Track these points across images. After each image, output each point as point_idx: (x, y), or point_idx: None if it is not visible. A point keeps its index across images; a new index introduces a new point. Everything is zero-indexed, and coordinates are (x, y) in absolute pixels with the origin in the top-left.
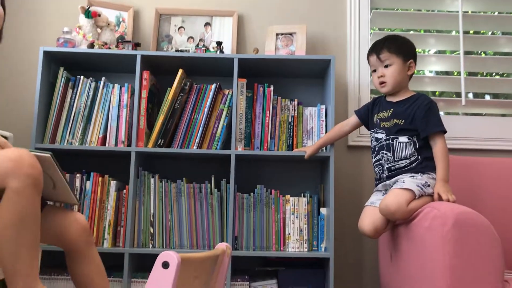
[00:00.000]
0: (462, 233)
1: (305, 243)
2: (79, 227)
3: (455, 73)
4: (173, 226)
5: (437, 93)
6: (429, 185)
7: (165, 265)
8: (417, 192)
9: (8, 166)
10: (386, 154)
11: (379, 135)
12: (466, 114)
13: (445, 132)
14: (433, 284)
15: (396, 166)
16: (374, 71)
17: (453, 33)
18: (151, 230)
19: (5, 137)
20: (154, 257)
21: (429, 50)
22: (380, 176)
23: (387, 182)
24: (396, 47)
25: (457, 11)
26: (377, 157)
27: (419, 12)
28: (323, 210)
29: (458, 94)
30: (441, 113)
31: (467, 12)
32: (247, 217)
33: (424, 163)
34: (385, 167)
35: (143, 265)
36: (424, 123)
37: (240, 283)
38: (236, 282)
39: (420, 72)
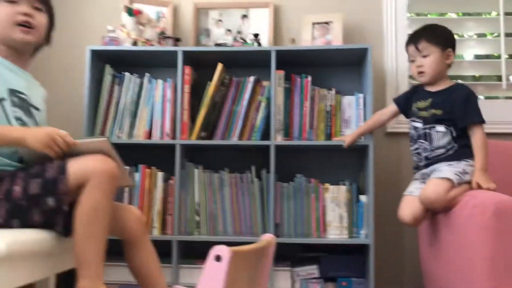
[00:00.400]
0: (502, 221)
1: (345, 230)
2: (135, 218)
3: (495, 56)
4: (217, 214)
5: (477, 76)
6: (467, 172)
7: (218, 258)
8: (455, 181)
9: (95, 165)
10: (423, 143)
11: (417, 124)
12: (507, 97)
13: (483, 122)
14: (474, 272)
15: (433, 155)
16: (412, 61)
17: (493, 14)
18: (197, 218)
19: None
20: (200, 244)
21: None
22: (417, 165)
23: (425, 170)
24: (434, 37)
25: None
26: (415, 146)
27: None
28: (362, 198)
29: (499, 78)
30: (481, 97)
31: None
32: (287, 205)
33: (460, 150)
34: (423, 156)
35: (190, 251)
36: (462, 113)
37: (282, 269)
38: (278, 267)
39: (460, 56)
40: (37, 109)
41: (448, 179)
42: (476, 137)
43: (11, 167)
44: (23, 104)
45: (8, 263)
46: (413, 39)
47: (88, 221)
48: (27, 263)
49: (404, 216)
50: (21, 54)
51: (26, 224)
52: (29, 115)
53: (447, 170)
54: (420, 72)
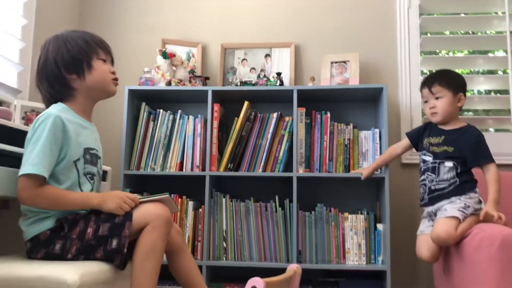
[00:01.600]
0: (508, 253)
1: (363, 256)
2: (176, 231)
3: (504, 91)
4: (244, 241)
5: (486, 110)
6: (468, 206)
7: None
8: (460, 217)
9: (155, 211)
10: (430, 175)
11: (427, 158)
12: None
13: (494, 162)
14: None
15: (436, 187)
16: (426, 102)
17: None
18: (224, 244)
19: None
20: (227, 268)
21: (477, 71)
22: (423, 197)
23: (430, 209)
24: (446, 81)
25: (505, 32)
26: (422, 177)
27: (467, 35)
28: (379, 226)
29: (508, 112)
30: (491, 129)
31: None
32: (309, 233)
33: (461, 186)
34: (428, 186)
35: (218, 275)
36: (474, 154)
37: None
38: None
39: (470, 91)
40: (100, 158)
41: (454, 217)
42: (491, 173)
43: (83, 211)
44: (92, 158)
45: None
46: (428, 82)
47: (145, 259)
48: None
49: (422, 255)
50: (92, 106)
51: (89, 259)
52: (96, 166)
53: (451, 208)
54: (433, 113)
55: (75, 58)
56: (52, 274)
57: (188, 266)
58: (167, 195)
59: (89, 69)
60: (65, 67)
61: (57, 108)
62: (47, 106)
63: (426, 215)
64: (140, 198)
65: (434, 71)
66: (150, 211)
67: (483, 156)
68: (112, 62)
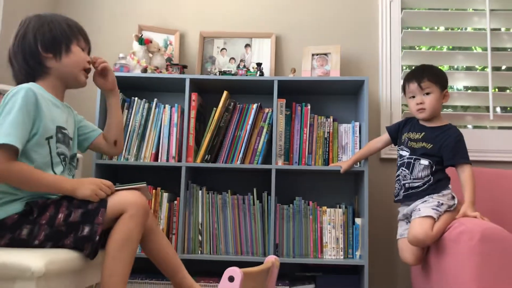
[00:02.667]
0: (488, 247)
1: (341, 251)
2: None
3: (483, 88)
4: (220, 234)
5: (465, 106)
6: (442, 203)
7: (231, 279)
8: (435, 215)
9: (132, 199)
10: (404, 171)
11: (403, 153)
12: (494, 127)
13: (470, 164)
14: None
15: (410, 184)
16: (412, 97)
17: (479, 49)
18: (200, 238)
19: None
20: (203, 262)
21: (457, 67)
22: (398, 193)
23: (405, 211)
24: (435, 77)
25: (485, 29)
26: (397, 173)
27: (448, 31)
28: (357, 220)
29: (487, 109)
30: (470, 126)
31: (497, 29)
32: (287, 227)
33: (435, 185)
34: (402, 183)
35: (193, 269)
36: (452, 153)
37: (281, 287)
38: (278, 286)
39: (450, 87)
40: (71, 139)
41: (429, 217)
42: (465, 174)
43: (54, 196)
44: (65, 138)
45: (44, 281)
46: (417, 76)
47: (120, 248)
48: (59, 280)
49: (406, 259)
50: (64, 90)
51: (57, 246)
52: (68, 147)
53: (424, 208)
54: (420, 109)
55: (55, 38)
56: (15, 260)
57: (162, 246)
58: (144, 184)
59: (67, 52)
60: (43, 45)
61: (29, 84)
62: (17, 85)
63: (403, 217)
64: (116, 186)
65: (413, 66)
66: (127, 199)
67: (460, 156)
68: (89, 53)
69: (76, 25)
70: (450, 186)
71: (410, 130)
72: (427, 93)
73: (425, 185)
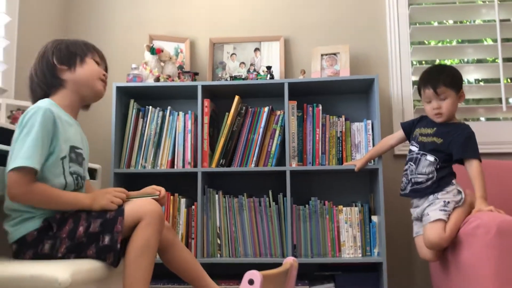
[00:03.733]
0: (505, 240)
1: (359, 249)
2: (165, 227)
3: (494, 80)
4: (238, 237)
5: (477, 99)
6: (448, 202)
7: (251, 282)
8: (444, 217)
9: (148, 207)
10: (412, 165)
11: (413, 148)
12: (507, 119)
13: (480, 161)
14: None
15: (414, 179)
16: (429, 102)
17: (489, 41)
18: (218, 241)
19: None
20: (222, 265)
21: (467, 60)
22: (405, 187)
23: (415, 214)
24: (450, 80)
25: (494, 20)
26: (405, 167)
27: (456, 25)
28: (374, 218)
29: (499, 101)
30: (482, 118)
31: (506, 20)
32: (304, 227)
33: (438, 182)
34: (409, 178)
35: (213, 273)
36: (461, 148)
37: (301, 287)
38: (297, 286)
39: None
40: (84, 159)
41: (439, 220)
42: (473, 169)
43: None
44: (78, 158)
45: None
46: (432, 82)
47: (139, 255)
48: None
49: (425, 256)
50: (79, 105)
51: (80, 257)
52: (80, 166)
53: (432, 211)
54: (438, 113)
55: (70, 52)
56: (42, 272)
57: (182, 257)
58: (157, 197)
59: (81, 63)
60: (59, 58)
61: (45, 103)
62: (33, 103)
63: (414, 218)
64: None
65: (423, 61)
66: (143, 207)
67: (470, 150)
68: (105, 70)
69: (93, 46)
70: (454, 181)
71: (423, 125)
72: (444, 98)
73: (428, 182)
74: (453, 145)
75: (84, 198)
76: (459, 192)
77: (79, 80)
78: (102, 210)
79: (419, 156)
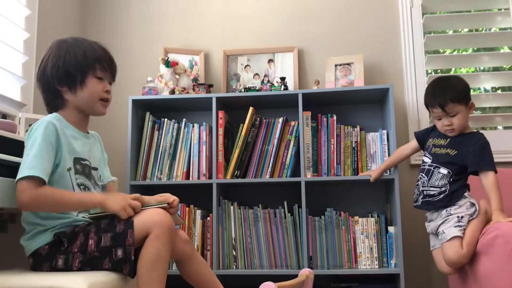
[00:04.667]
0: None
1: (376, 260)
2: (183, 241)
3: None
4: (253, 249)
5: (494, 107)
6: (462, 217)
7: None
8: (460, 233)
9: (156, 218)
10: (423, 177)
11: (426, 159)
12: None
13: (496, 172)
14: None
15: (427, 192)
16: (439, 119)
17: (506, 49)
18: (234, 252)
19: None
20: (238, 277)
21: (483, 68)
22: (417, 199)
23: (429, 229)
24: (457, 96)
25: (509, 28)
26: (418, 178)
27: (470, 33)
28: (390, 229)
29: None
30: (500, 127)
31: None
32: (319, 238)
33: (451, 195)
34: (420, 189)
35: (229, 284)
36: (476, 159)
37: None
38: None
39: (476, 89)
40: (95, 169)
41: (455, 237)
42: (489, 181)
43: (81, 222)
44: (85, 169)
45: None
46: (439, 101)
47: (150, 268)
48: None
49: (444, 270)
50: (86, 119)
51: (97, 270)
52: (89, 178)
53: (448, 229)
54: (450, 130)
55: (69, 72)
56: (60, 284)
57: (199, 270)
58: (166, 205)
59: (81, 86)
60: (58, 78)
61: (51, 116)
62: (49, 113)
63: (430, 232)
64: (143, 207)
65: (438, 71)
66: (150, 219)
67: (485, 162)
68: (113, 78)
69: (94, 54)
70: (466, 194)
71: (437, 136)
72: (454, 115)
73: (441, 195)
74: (468, 157)
75: (96, 196)
76: (472, 204)
77: (80, 103)
78: (109, 222)
79: (431, 168)
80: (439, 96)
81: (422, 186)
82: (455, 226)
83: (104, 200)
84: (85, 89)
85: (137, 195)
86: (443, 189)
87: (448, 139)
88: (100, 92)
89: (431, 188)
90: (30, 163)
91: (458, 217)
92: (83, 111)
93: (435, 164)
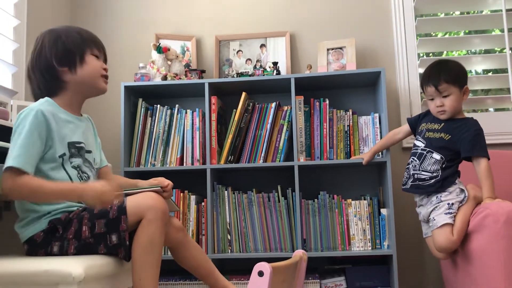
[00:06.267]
0: None
1: (369, 242)
2: (175, 227)
3: (502, 70)
4: (248, 233)
5: (485, 90)
6: (452, 203)
7: (260, 273)
8: (450, 220)
9: (149, 203)
10: (415, 161)
11: (418, 143)
12: None
13: (488, 159)
14: (489, 277)
15: (417, 175)
16: (431, 99)
17: (497, 31)
18: (229, 237)
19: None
20: (233, 261)
21: (474, 51)
22: (406, 182)
23: (421, 216)
24: (452, 77)
25: (501, 10)
26: (408, 161)
27: (461, 16)
28: (383, 211)
29: (507, 91)
30: (491, 109)
31: None
32: (313, 221)
33: (441, 182)
34: (411, 173)
35: (224, 268)
36: (470, 145)
37: (312, 281)
38: (308, 280)
39: (468, 71)
40: (89, 152)
41: (445, 224)
42: (481, 168)
43: (75, 207)
44: (81, 152)
45: (85, 285)
46: (433, 80)
47: (145, 252)
48: (98, 283)
49: (437, 255)
50: (81, 102)
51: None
52: (84, 160)
53: (438, 216)
54: (441, 111)
55: (68, 50)
56: (57, 267)
57: (193, 256)
58: (159, 188)
59: (81, 63)
60: (58, 59)
61: (40, 102)
62: (35, 100)
63: (421, 220)
64: (125, 190)
65: (430, 54)
66: (144, 204)
67: (478, 148)
68: (105, 60)
69: (88, 34)
70: (457, 181)
71: (430, 120)
72: (446, 96)
73: (432, 180)
74: (461, 142)
75: (72, 191)
76: (462, 190)
77: (81, 82)
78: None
79: (424, 152)
80: (434, 74)
81: (413, 170)
82: (446, 213)
83: (79, 197)
84: (85, 66)
85: (116, 185)
86: (434, 174)
87: (442, 124)
88: (99, 68)
89: (423, 172)
90: (15, 153)
91: (448, 204)
92: (83, 92)
93: (428, 149)
